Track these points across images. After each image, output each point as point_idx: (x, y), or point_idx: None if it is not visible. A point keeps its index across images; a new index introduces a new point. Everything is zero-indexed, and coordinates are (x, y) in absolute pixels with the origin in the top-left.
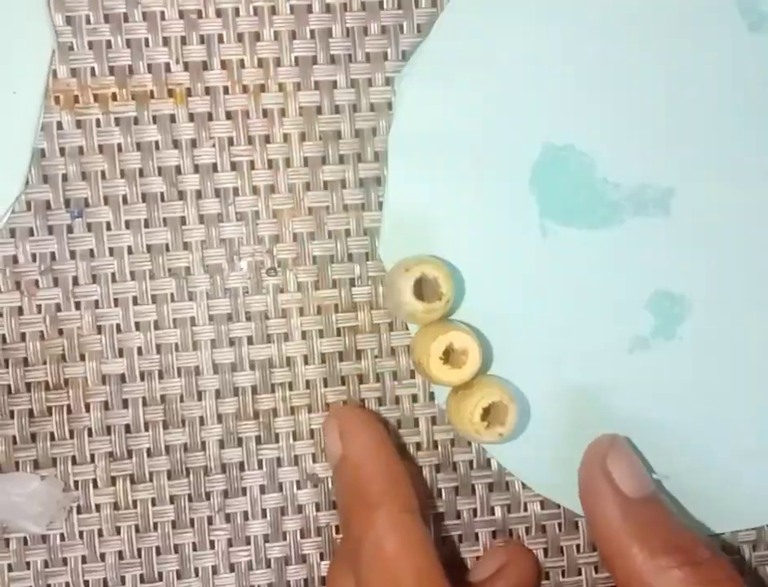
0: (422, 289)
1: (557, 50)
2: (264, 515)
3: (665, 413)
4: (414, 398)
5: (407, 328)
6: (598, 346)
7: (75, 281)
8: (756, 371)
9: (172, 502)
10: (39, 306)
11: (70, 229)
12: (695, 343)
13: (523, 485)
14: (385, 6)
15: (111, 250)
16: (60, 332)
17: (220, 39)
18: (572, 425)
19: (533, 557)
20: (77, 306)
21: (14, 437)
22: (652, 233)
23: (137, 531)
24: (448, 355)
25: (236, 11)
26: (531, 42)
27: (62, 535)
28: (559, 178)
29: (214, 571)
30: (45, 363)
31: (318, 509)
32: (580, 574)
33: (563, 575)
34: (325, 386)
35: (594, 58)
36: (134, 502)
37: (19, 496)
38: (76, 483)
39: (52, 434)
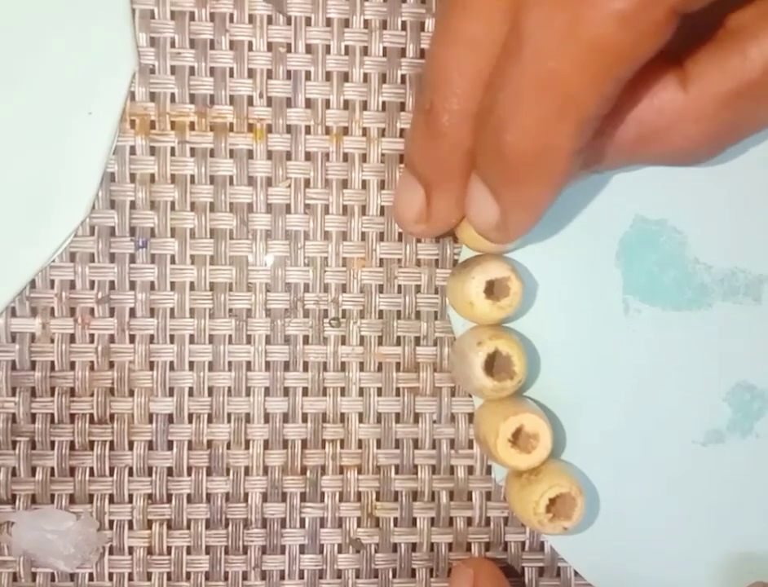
0: (494, 361)
1: None
2: (301, 576)
3: (735, 512)
4: (470, 470)
5: (470, 396)
6: (671, 436)
7: (132, 313)
8: None
9: (207, 553)
10: (92, 336)
11: (132, 258)
12: None
13: (575, 573)
14: None
15: (172, 284)
16: (111, 364)
17: (307, 76)
18: (636, 519)
19: (491, 563)
20: (132, 339)
21: (52, 468)
22: (740, 321)
23: (168, 578)
24: (517, 437)
25: (327, 49)
26: None
27: (91, 575)
28: (648, 253)
29: None
30: (92, 395)
31: (358, 576)
32: None
33: None
34: (378, 447)
35: None
36: (169, 548)
37: (53, 533)
38: (111, 522)
39: (92, 469)
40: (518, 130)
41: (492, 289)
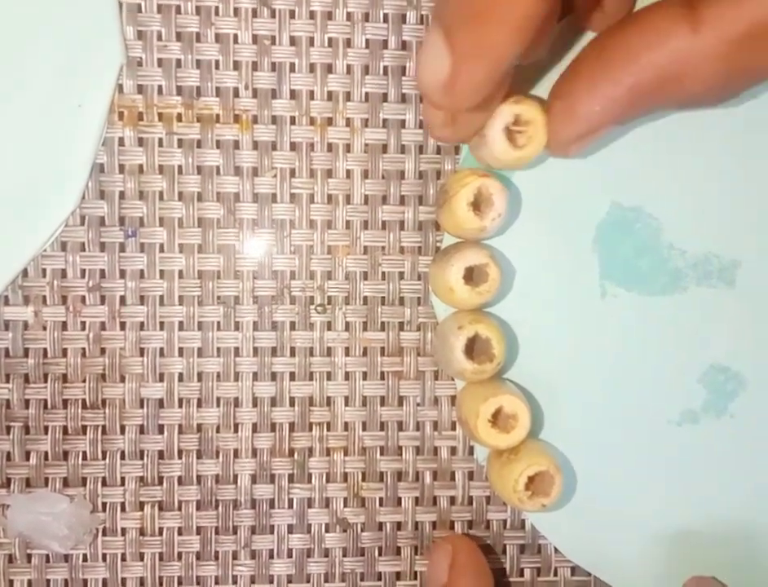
0: (474, 345)
1: None
2: (290, 555)
3: (710, 490)
4: (453, 450)
5: (452, 379)
6: (647, 417)
7: (122, 301)
8: None
9: (198, 533)
10: (84, 323)
11: (122, 247)
12: (746, 422)
13: (555, 550)
14: None
15: (161, 272)
16: (102, 351)
17: (292, 68)
18: (613, 497)
19: (468, 539)
20: (122, 326)
21: (46, 453)
22: (714, 305)
23: (161, 559)
24: (497, 418)
25: (311, 41)
26: None
27: (85, 556)
28: (624, 239)
29: None
30: (84, 381)
31: (345, 555)
32: None
33: None
34: (363, 429)
35: (671, 123)
36: (161, 529)
37: (47, 515)
38: (104, 504)
39: (84, 453)
40: None
41: (472, 276)
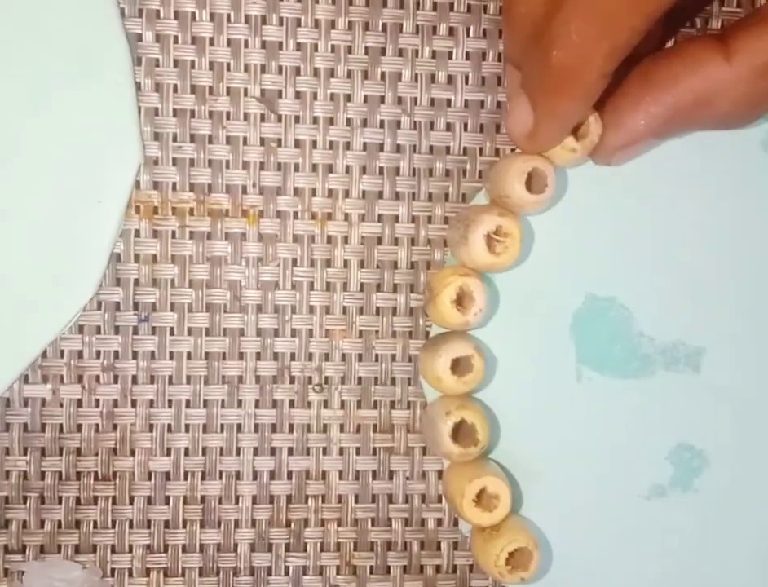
0: (460, 429)
1: (605, 210)
2: None
3: (678, 560)
4: (439, 522)
5: None
6: (619, 492)
7: (134, 380)
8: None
9: None
10: (98, 401)
11: (135, 330)
12: (709, 496)
13: None
14: (451, 152)
15: (171, 354)
16: (114, 426)
17: (296, 168)
18: (588, 568)
19: None
20: (133, 403)
21: (59, 521)
22: (681, 388)
23: None
24: (480, 497)
25: (314, 143)
26: (582, 204)
27: None
28: (598, 327)
29: None
30: (96, 454)
31: None
32: None
33: None
34: (356, 501)
35: (641, 218)
36: None
37: (61, 581)
38: (112, 570)
39: (95, 522)
40: (563, 47)
41: (458, 364)
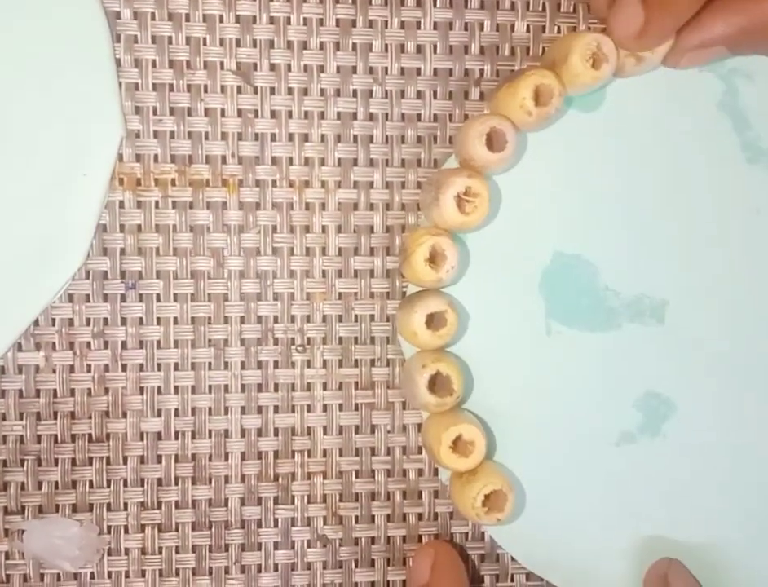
0: (436, 381)
1: (570, 170)
2: (276, 569)
3: (648, 503)
4: (420, 472)
5: (418, 409)
6: (590, 439)
7: (123, 345)
8: (737, 471)
9: (194, 551)
10: (89, 366)
11: (123, 298)
12: (678, 440)
13: (512, 558)
14: (422, 119)
15: (158, 319)
16: (106, 390)
17: (272, 137)
18: (561, 511)
19: (449, 545)
20: (123, 368)
21: (56, 482)
22: (646, 339)
23: (160, 575)
24: (457, 444)
25: (289, 113)
26: (547, 165)
27: (92, 574)
28: (566, 283)
29: None
30: (90, 417)
31: (325, 568)
32: None
33: None
34: (340, 455)
35: (605, 177)
36: (160, 549)
37: (60, 538)
38: (109, 527)
39: (91, 482)
40: None
41: (433, 320)
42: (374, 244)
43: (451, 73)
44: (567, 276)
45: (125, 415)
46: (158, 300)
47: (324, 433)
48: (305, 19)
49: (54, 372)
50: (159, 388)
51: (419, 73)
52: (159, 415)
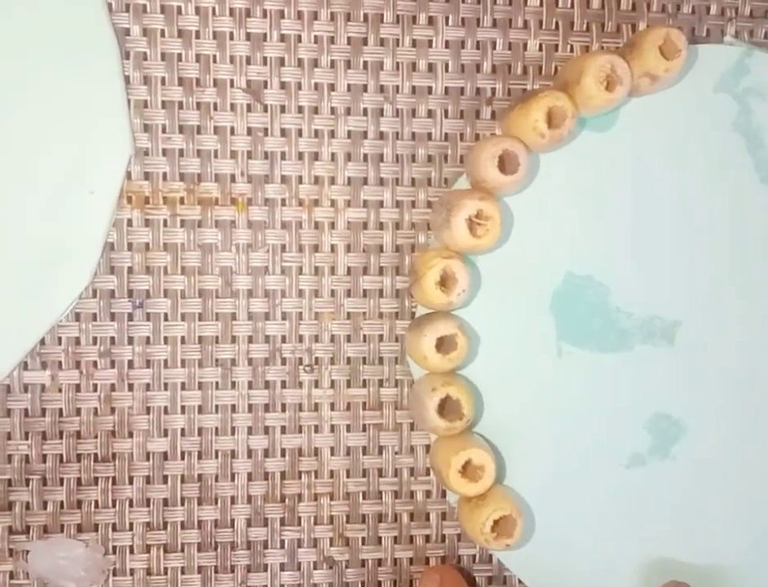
0: (445, 404)
1: (582, 192)
2: None
3: (658, 526)
4: (428, 494)
5: None
6: (599, 461)
7: (130, 364)
8: (743, 494)
9: (200, 572)
10: (95, 385)
11: (130, 317)
12: (687, 463)
13: (519, 581)
14: (432, 138)
15: (165, 339)
16: (112, 409)
17: (282, 156)
18: (569, 534)
19: (455, 570)
20: (130, 387)
21: (62, 502)
22: (657, 360)
23: None
24: (466, 468)
25: (300, 132)
26: (558, 187)
27: None
28: (577, 304)
29: None
30: (96, 437)
31: None
32: None
33: None
34: (347, 476)
35: (616, 199)
36: (165, 569)
37: (65, 559)
38: (114, 548)
39: (96, 501)
40: None
41: (443, 343)
42: (384, 263)
43: (462, 92)
44: (578, 297)
45: (131, 435)
46: (165, 319)
47: (332, 454)
48: (316, 37)
49: (60, 391)
50: (166, 408)
51: (430, 92)
52: (165, 435)
